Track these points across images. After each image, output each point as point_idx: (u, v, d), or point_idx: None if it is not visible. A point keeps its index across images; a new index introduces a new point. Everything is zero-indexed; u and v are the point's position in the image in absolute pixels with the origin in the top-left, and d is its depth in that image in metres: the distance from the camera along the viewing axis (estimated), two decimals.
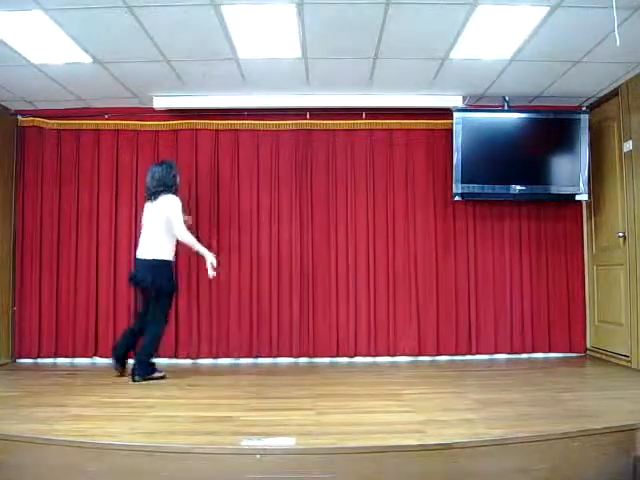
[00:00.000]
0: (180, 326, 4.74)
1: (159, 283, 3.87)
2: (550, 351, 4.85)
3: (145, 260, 3.93)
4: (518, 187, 4.63)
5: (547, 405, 3.12)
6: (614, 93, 4.47)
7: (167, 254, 3.94)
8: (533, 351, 4.84)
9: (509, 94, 4.63)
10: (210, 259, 3.94)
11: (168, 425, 2.79)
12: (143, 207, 4.75)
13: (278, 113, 4.85)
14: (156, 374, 3.94)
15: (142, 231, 4.06)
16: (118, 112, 4.87)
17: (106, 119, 4.88)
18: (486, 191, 4.65)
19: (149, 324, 3.93)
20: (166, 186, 3.97)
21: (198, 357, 4.77)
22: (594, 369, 4.44)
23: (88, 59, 3.81)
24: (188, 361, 4.75)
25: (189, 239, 3.93)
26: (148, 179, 4.04)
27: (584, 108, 4.84)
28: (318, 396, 3.44)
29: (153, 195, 3.99)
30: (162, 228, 3.92)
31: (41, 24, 3.27)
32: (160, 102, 4.66)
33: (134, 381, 3.82)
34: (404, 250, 4.88)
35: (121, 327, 4.72)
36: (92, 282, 4.78)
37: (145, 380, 3.83)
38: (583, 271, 4.95)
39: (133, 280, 4.02)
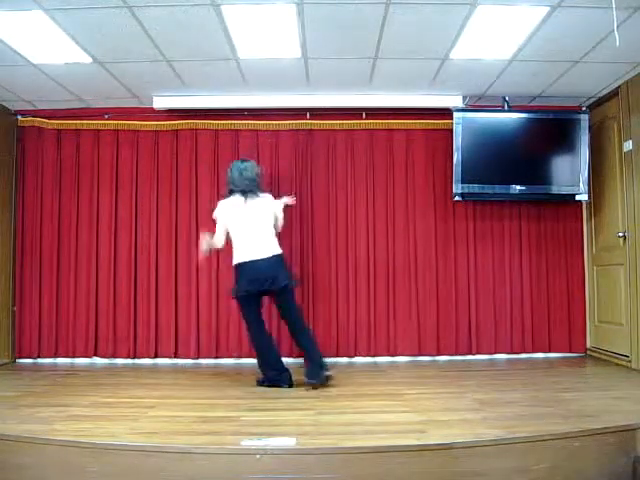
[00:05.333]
0: (180, 326, 4.75)
1: (291, 276, 3.84)
2: (550, 351, 4.85)
3: (272, 257, 3.71)
4: (518, 187, 4.63)
5: (547, 405, 3.12)
6: (614, 93, 4.47)
7: (280, 249, 3.84)
8: (533, 351, 4.84)
9: (509, 94, 4.63)
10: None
11: (168, 425, 2.79)
12: (142, 206, 4.83)
13: (278, 113, 4.85)
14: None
15: (243, 232, 3.75)
16: (118, 112, 4.87)
17: (106, 119, 4.88)
18: (486, 191, 4.65)
19: (300, 322, 3.82)
20: (258, 183, 3.88)
21: (199, 357, 4.76)
22: (594, 369, 4.44)
23: (88, 59, 3.81)
24: (189, 361, 4.75)
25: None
26: (235, 176, 3.83)
27: (584, 108, 4.84)
28: (318, 396, 3.44)
29: (248, 192, 3.79)
30: (271, 225, 3.84)
31: (41, 24, 3.27)
32: (160, 102, 4.66)
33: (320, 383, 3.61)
34: (404, 250, 4.87)
35: (121, 327, 4.76)
36: (92, 282, 4.78)
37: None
38: (583, 271, 4.95)
39: (264, 283, 3.63)
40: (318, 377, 3.60)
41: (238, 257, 3.72)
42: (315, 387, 3.59)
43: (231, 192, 3.85)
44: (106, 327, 4.76)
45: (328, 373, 3.65)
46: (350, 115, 4.87)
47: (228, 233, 3.79)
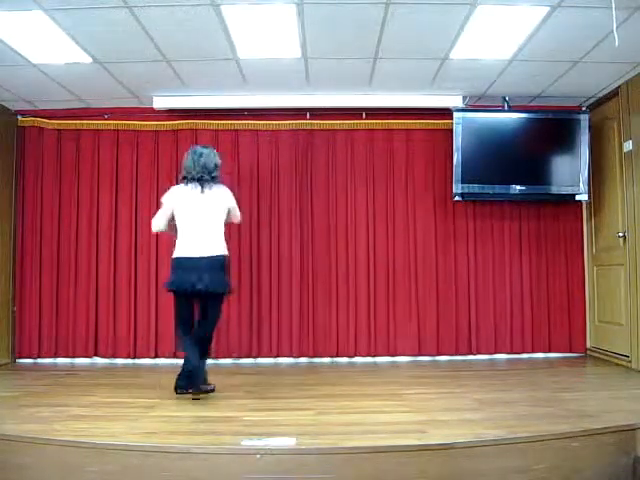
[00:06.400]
0: None
1: (227, 284, 3.48)
2: (550, 351, 4.85)
3: (212, 257, 3.36)
4: (518, 187, 4.64)
5: (547, 405, 3.12)
6: (614, 93, 4.47)
7: (226, 250, 3.52)
8: (533, 351, 4.84)
9: (509, 94, 4.64)
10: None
11: (168, 425, 2.79)
12: (142, 206, 4.81)
13: (278, 113, 4.85)
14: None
15: (190, 224, 3.42)
16: (118, 112, 4.87)
17: (106, 119, 4.88)
18: (486, 191, 4.65)
19: (208, 327, 3.47)
20: (213, 173, 3.49)
21: None
22: (594, 369, 4.44)
23: (88, 59, 3.81)
24: None
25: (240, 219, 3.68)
26: (189, 163, 3.47)
27: (584, 108, 4.84)
28: (318, 396, 3.45)
29: (201, 182, 3.43)
30: (222, 221, 3.49)
31: (41, 24, 3.27)
32: (160, 102, 4.66)
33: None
34: (404, 250, 4.88)
35: (121, 327, 4.76)
36: (92, 282, 4.78)
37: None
38: (583, 271, 4.95)
39: (194, 285, 3.29)
40: (194, 386, 3.36)
41: (179, 251, 3.42)
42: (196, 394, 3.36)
43: (185, 179, 3.48)
44: (106, 327, 4.76)
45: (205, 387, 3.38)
46: (350, 115, 4.87)
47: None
